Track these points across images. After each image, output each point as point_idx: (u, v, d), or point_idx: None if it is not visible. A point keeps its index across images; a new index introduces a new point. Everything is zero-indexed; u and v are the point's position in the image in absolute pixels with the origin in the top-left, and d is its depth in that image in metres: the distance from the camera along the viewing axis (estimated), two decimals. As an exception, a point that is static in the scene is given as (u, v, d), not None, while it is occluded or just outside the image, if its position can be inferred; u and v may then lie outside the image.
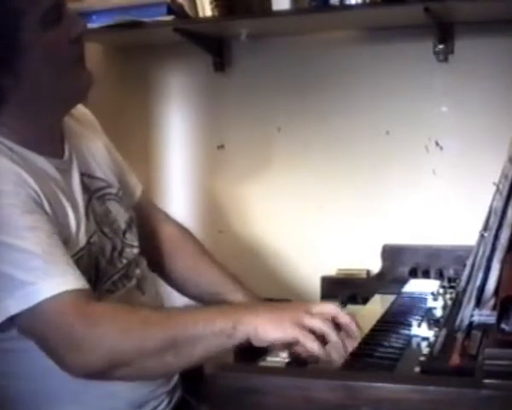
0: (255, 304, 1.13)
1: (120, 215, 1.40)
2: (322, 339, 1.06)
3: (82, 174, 1.33)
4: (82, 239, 1.25)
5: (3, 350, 1.19)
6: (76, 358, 1.08)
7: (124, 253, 1.37)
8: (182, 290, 1.57)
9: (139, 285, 1.38)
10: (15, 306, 1.09)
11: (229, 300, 1.48)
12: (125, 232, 1.39)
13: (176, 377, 1.40)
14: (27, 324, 1.11)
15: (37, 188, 1.18)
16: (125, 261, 1.36)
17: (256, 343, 1.06)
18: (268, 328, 1.05)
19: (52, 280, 1.10)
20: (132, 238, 1.41)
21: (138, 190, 1.57)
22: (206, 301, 1.52)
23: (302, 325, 1.05)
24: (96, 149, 1.43)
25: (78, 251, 1.24)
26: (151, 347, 1.07)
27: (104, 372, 1.09)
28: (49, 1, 1.17)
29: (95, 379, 1.12)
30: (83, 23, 1.25)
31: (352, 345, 1.13)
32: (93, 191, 1.35)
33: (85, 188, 1.33)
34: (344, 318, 1.12)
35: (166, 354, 1.07)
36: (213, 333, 1.06)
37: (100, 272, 1.29)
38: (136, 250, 1.41)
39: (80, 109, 1.45)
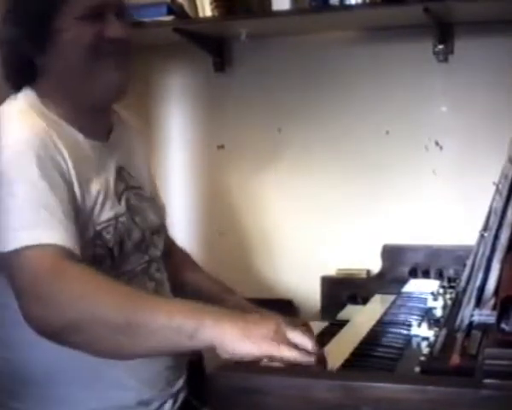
0: (226, 312, 1.06)
1: (153, 218, 1.43)
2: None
3: (121, 167, 1.38)
4: (108, 212, 1.29)
5: (18, 323, 1.18)
6: (35, 310, 1.08)
7: (149, 250, 1.39)
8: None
9: (156, 289, 1.39)
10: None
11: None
12: (153, 233, 1.42)
13: (181, 380, 1.40)
14: (9, 267, 1.13)
15: (65, 152, 1.23)
16: (147, 258, 1.38)
17: (222, 355, 1.00)
18: (236, 341, 0.99)
19: (39, 231, 1.12)
20: (159, 241, 1.44)
21: (165, 211, 1.57)
22: None
23: (272, 339, 0.99)
24: (140, 156, 1.50)
25: (103, 222, 1.28)
26: (103, 316, 1.05)
27: (59, 333, 1.08)
28: (86, 2, 1.27)
29: (51, 339, 1.10)
30: (125, 31, 1.32)
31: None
32: (130, 186, 1.39)
33: (122, 179, 1.37)
34: (309, 345, 1.01)
35: (118, 332, 1.04)
36: (171, 328, 1.02)
37: (123, 252, 1.31)
38: (159, 253, 1.43)
39: (136, 119, 1.55)
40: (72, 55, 1.27)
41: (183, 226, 1.58)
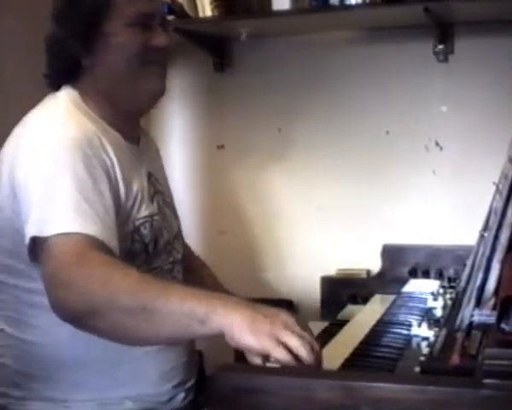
0: (237, 301, 1.06)
1: (174, 223, 1.50)
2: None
3: (150, 172, 1.45)
4: (145, 210, 1.36)
5: (42, 307, 1.22)
6: (59, 295, 1.12)
7: (173, 252, 1.45)
8: None
9: None
10: (36, 230, 1.17)
11: None
12: (174, 238, 1.48)
13: (192, 380, 1.45)
14: (42, 250, 1.17)
15: (110, 151, 1.30)
16: (171, 259, 1.44)
17: (229, 342, 1.01)
18: (243, 333, 0.99)
19: (76, 221, 1.16)
20: (179, 246, 1.50)
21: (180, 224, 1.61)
22: None
23: (278, 339, 0.99)
24: (161, 166, 1.58)
25: (141, 218, 1.35)
26: (121, 302, 1.07)
27: (80, 318, 1.11)
28: (142, 7, 1.34)
29: (73, 324, 1.13)
30: (169, 41, 1.38)
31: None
32: (158, 190, 1.46)
33: (152, 183, 1.44)
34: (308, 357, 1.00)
35: (135, 317, 1.06)
36: (183, 313, 1.03)
37: (156, 249, 1.38)
38: (180, 256, 1.48)
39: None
40: (118, 60, 1.34)
41: (182, 226, 1.58)
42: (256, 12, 2.19)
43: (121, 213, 1.29)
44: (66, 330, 1.19)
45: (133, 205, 1.33)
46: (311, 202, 2.39)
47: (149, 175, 1.43)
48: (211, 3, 2.19)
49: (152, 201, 1.41)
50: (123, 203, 1.30)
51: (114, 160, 1.30)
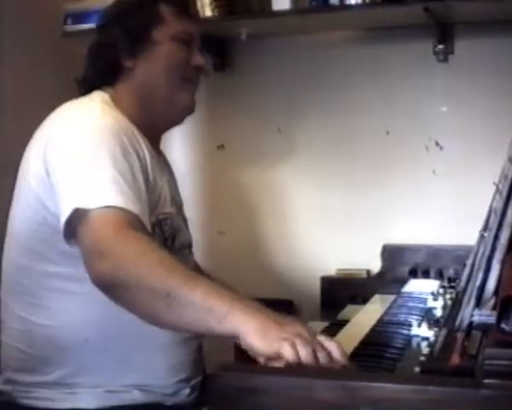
0: (256, 307, 1.07)
1: (186, 235, 1.56)
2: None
3: (169, 182, 1.52)
4: (167, 208, 1.43)
5: (64, 291, 1.30)
6: (95, 264, 1.16)
7: (184, 260, 1.47)
8: None
9: None
10: (77, 202, 1.20)
11: None
12: (187, 247, 1.55)
13: (199, 377, 1.49)
14: (81, 223, 1.20)
15: (143, 145, 1.37)
16: (184, 261, 1.44)
17: (242, 345, 1.03)
18: (256, 337, 1.01)
19: (118, 196, 1.21)
20: (191, 257, 1.57)
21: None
22: None
23: (291, 342, 0.99)
24: (175, 181, 1.64)
25: (165, 213, 1.42)
26: (147, 284, 1.11)
27: (111, 288, 1.15)
28: (187, 27, 1.47)
29: (104, 292, 1.17)
30: (206, 64, 1.51)
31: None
32: (175, 201, 1.54)
33: (171, 192, 1.50)
34: (336, 353, 1.02)
35: (158, 300, 1.09)
36: (203, 307, 1.05)
37: (174, 247, 1.43)
38: (190, 266, 1.48)
39: None
40: (160, 68, 1.44)
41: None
42: (256, 12, 2.19)
43: (150, 200, 1.34)
44: (82, 315, 1.27)
45: (158, 199, 1.39)
46: (311, 202, 2.39)
47: (169, 184, 1.50)
48: (211, 4, 2.18)
49: (172, 205, 1.47)
50: (150, 194, 1.34)
51: (146, 153, 1.36)
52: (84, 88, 1.45)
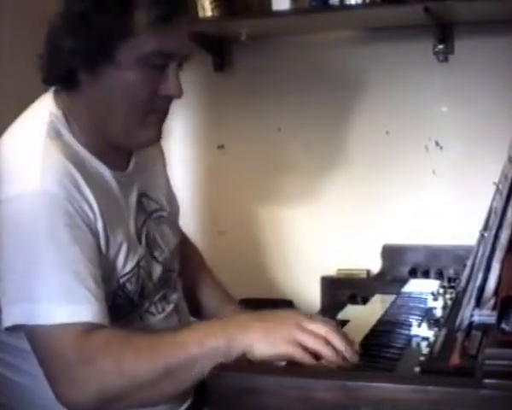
0: (246, 319, 1.10)
1: (171, 239, 1.41)
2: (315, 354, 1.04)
3: (141, 194, 1.33)
4: (131, 261, 1.25)
5: (26, 350, 1.16)
6: (69, 392, 1.08)
7: (169, 280, 1.39)
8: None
9: (176, 309, 1.39)
10: (23, 317, 1.08)
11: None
12: (172, 254, 1.40)
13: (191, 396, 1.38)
14: (32, 338, 1.11)
15: (92, 200, 1.16)
16: (166, 287, 1.37)
17: (252, 359, 1.04)
18: (263, 346, 1.03)
19: (69, 307, 1.08)
20: (175, 263, 1.43)
21: (179, 210, 1.55)
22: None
23: (295, 341, 1.03)
24: (158, 168, 1.46)
25: (127, 273, 1.24)
26: (145, 379, 1.06)
27: (104, 407, 1.08)
28: (161, 45, 1.16)
29: None
30: (179, 95, 1.24)
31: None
32: (150, 212, 1.35)
33: (143, 209, 1.33)
34: (336, 341, 1.05)
35: (161, 383, 1.06)
36: (205, 354, 1.04)
37: (144, 295, 1.30)
38: (175, 275, 1.43)
39: None
40: (120, 98, 1.18)
41: (182, 226, 1.57)
42: (256, 12, 2.19)
43: (103, 271, 1.17)
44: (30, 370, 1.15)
45: (116, 258, 1.21)
46: (310, 202, 2.39)
47: (140, 199, 1.32)
48: (211, 3, 2.18)
49: (139, 237, 1.29)
50: (104, 260, 1.18)
51: (96, 209, 1.16)
52: (44, 80, 1.25)
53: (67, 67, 1.18)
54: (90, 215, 1.16)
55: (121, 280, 1.23)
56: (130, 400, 1.08)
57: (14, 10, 2.02)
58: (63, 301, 1.08)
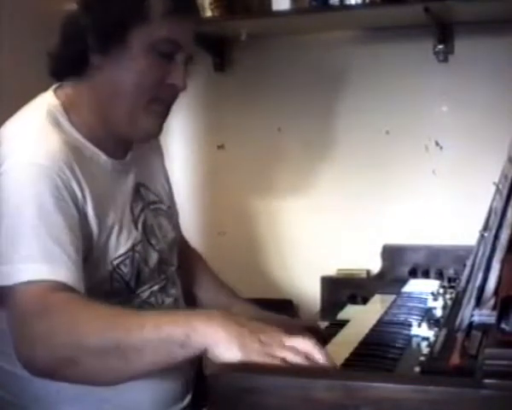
0: (220, 316, 1.00)
1: (169, 232, 1.42)
2: None
3: (139, 183, 1.35)
4: (125, 244, 1.26)
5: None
6: (25, 351, 1.06)
7: (167, 269, 1.39)
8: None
9: (176, 304, 1.39)
10: (2, 279, 1.09)
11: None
12: (170, 249, 1.41)
13: (189, 396, 1.38)
14: (9, 299, 1.09)
15: (83, 182, 1.18)
16: (163, 276, 1.37)
17: (214, 359, 0.96)
18: (230, 349, 0.95)
19: (43, 266, 1.08)
20: (173, 257, 1.43)
21: (178, 216, 1.56)
22: None
23: (271, 354, 0.95)
24: (157, 165, 1.47)
25: (121, 255, 1.25)
26: (93, 344, 1.01)
27: (52, 371, 1.05)
28: (176, 32, 1.22)
29: (44, 377, 1.08)
30: (184, 87, 1.26)
31: None
32: (148, 202, 1.37)
33: (141, 197, 1.35)
34: (316, 355, 0.98)
35: (110, 357, 1.01)
36: (160, 340, 0.98)
37: (140, 280, 1.29)
38: (173, 269, 1.43)
39: None
40: (127, 82, 1.21)
41: (182, 226, 1.58)
42: (256, 12, 2.19)
43: (95, 253, 1.19)
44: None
45: (108, 241, 1.23)
46: (310, 202, 2.39)
47: (137, 188, 1.34)
48: (211, 4, 2.19)
49: (136, 223, 1.30)
50: (95, 242, 1.20)
51: (87, 192, 1.18)
52: (52, 70, 1.28)
53: (81, 47, 1.21)
54: (79, 195, 1.17)
55: (115, 262, 1.24)
56: (78, 368, 1.02)
57: (14, 10, 2.02)
58: (40, 259, 1.09)
